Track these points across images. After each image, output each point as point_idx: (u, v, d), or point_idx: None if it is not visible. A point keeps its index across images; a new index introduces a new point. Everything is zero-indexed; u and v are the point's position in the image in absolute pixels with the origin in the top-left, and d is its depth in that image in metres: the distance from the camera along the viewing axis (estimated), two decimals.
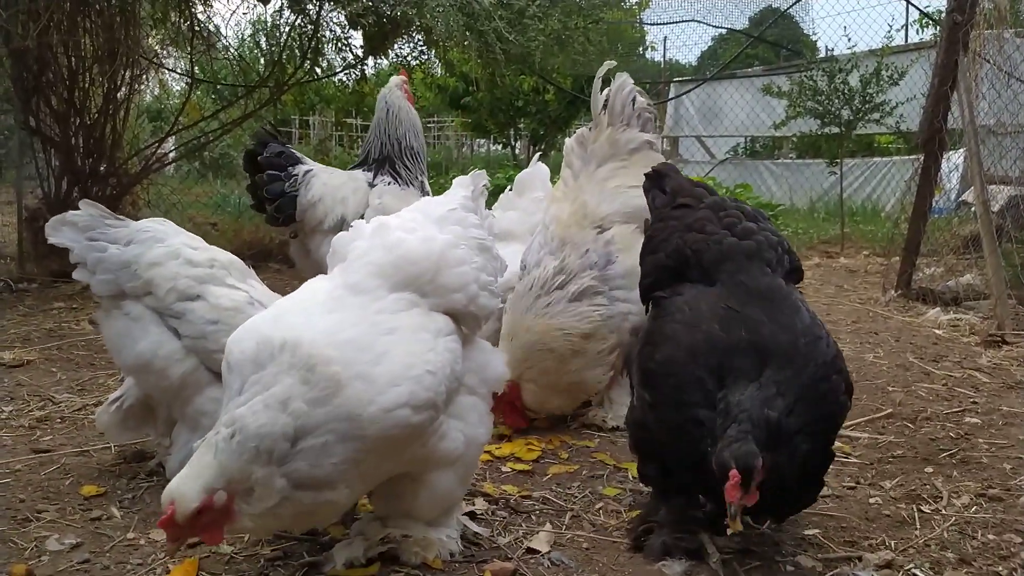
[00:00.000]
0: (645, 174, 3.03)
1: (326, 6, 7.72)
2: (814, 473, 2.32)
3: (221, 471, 1.86)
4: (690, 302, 2.48)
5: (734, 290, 2.45)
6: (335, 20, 7.99)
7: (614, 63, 3.90)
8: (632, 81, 3.88)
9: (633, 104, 3.78)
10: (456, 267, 2.34)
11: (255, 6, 8.50)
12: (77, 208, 2.88)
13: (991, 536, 2.55)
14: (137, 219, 3.04)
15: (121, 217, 2.96)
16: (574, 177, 3.78)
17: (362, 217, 4.55)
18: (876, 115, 10.07)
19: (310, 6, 7.79)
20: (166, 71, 9.36)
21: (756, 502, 2.12)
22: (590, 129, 3.90)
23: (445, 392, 2.16)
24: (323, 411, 1.93)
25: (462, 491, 2.45)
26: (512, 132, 22.95)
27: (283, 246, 7.16)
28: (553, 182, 4.56)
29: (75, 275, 2.86)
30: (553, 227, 3.64)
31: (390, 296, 2.22)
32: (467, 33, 6.80)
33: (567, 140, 3.99)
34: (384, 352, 2.07)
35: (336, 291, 2.21)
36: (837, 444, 3.30)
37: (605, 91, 3.80)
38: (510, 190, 4.81)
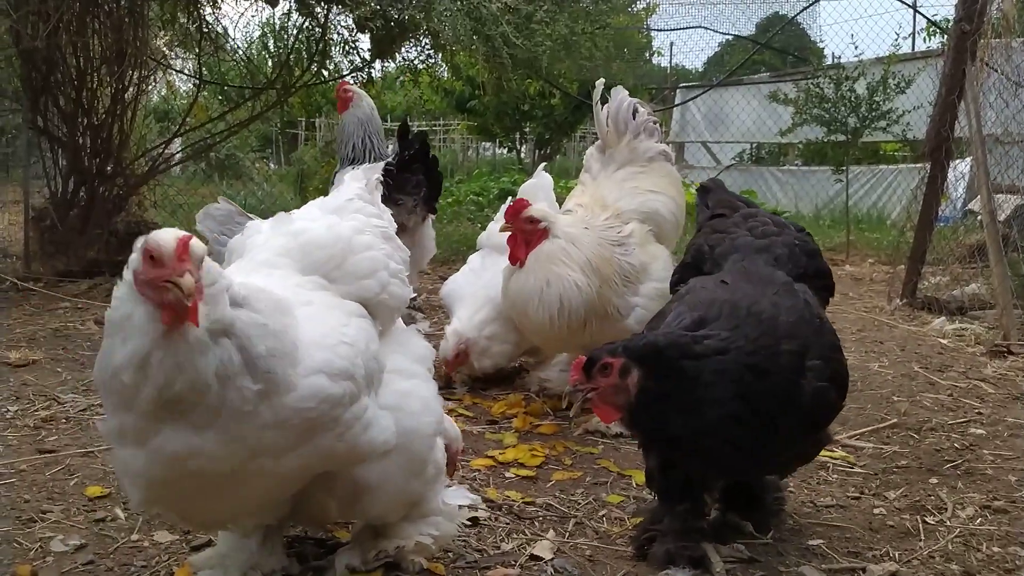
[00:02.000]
0: (697, 188, 3.24)
1: (334, 9, 7.74)
2: (732, 439, 2.17)
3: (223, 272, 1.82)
4: (691, 286, 2.59)
5: (733, 271, 2.58)
6: (343, 23, 8.02)
7: (603, 82, 3.98)
8: (628, 94, 3.97)
9: (634, 116, 3.89)
10: (365, 251, 2.26)
11: (263, 8, 8.52)
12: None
13: (996, 548, 2.54)
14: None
15: (250, 215, 3.06)
16: (593, 179, 3.92)
17: None
18: (882, 123, 10.05)
19: (318, 9, 7.81)
20: (174, 72, 9.40)
21: (622, 416, 2.19)
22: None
23: (363, 367, 1.99)
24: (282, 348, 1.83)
25: (421, 483, 2.22)
26: (518, 136, 22.95)
27: None
28: (558, 188, 4.60)
29: None
30: (578, 212, 3.75)
31: (300, 277, 2.15)
32: (474, 37, 6.81)
33: (588, 149, 4.11)
34: (303, 319, 1.96)
35: (250, 270, 2.13)
36: (840, 454, 3.34)
37: (605, 109, 3.91)
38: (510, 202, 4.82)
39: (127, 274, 1.75)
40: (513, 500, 2.86)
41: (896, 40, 11.37)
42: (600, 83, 3.98)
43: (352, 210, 2.38)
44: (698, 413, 2.14)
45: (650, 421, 2.18)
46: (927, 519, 2.75)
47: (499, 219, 4.66)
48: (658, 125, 4.07)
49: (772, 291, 2.42)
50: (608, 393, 2.15)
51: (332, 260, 2.20)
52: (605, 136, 3.95)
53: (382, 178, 5.22)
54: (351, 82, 6.27)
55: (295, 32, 8.48)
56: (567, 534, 2.62)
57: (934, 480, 3.10)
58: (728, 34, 16.72)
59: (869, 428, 3.66)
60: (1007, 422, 3.74)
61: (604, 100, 4.00)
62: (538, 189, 4.63)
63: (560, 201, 4.40)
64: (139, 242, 1.73)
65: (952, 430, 3.64)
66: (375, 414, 2.04)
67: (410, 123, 26.65)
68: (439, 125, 27.11)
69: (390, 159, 5.29)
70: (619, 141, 3.92)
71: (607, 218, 3.70)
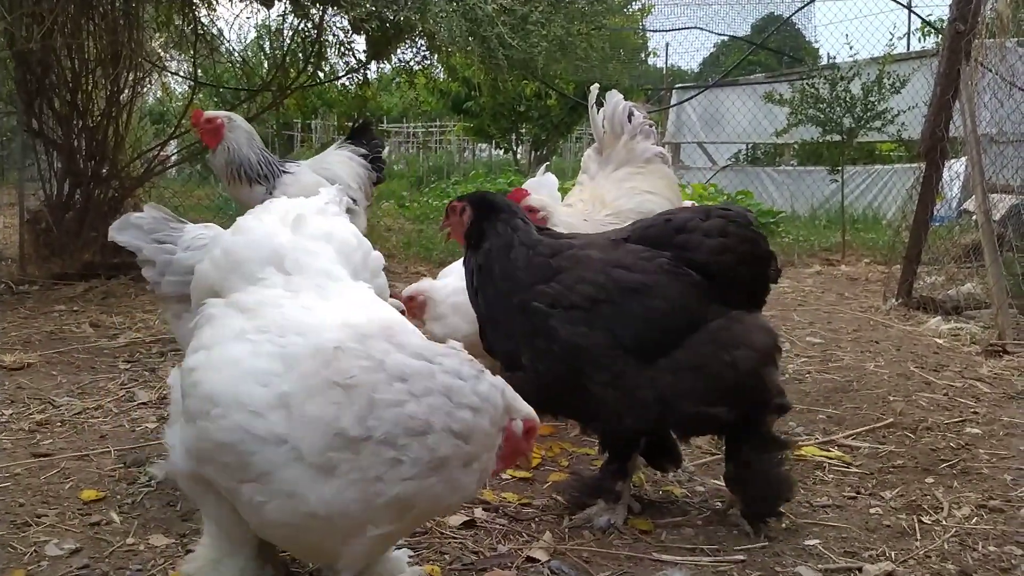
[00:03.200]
0: None
1: (330, 10, 7.74)
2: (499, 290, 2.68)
3: None
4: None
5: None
6: (338, 24, 8.02)
7: (598, 86, 4.02)
8: (623, 98, 4.01)
9: (630, 119, 3.93)
10: (372, 250, 2.32)
11: (259, 10, 8.52)
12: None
13: (992, 548, 2.54)
14: None
15: (182, 220, 3.01)
16: (591, 179, 3.96)
17: None
18: (878, 123, 10.05)
19: (313, 10, 7.81)
20: (169, 74, 9.39)
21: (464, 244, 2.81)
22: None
23: None
24: None
25: None
26: (514, 137, 22.97)
27: None
28: (561, 189, 4.63)
29: (144, 273, 2.95)
30: (578, 206, 3.77)
31: (356, 283, 2.11)
32: (470, 39, 6.80)
33: (586, 151, 4.14)
34: None
35: (332, 287, 2.04)
36: (837, 454, 3.34)
37: (601, 112, 3.94)
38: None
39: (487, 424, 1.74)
40: (509, 502, 2.85)
41: (891, 40, 11.41)
42: (595, 87, 4.03)
43: (332, 213, 2.37)
44: (488, 253, 2.73)
45: (476, 249, 2.75)
46: (923, 519, 2.75)
47: None
48: (653, 128, 4.10)
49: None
50: (456, 227, 2.82)
51: (364, 260, 2.21)
52: (602, 138, 3.98)
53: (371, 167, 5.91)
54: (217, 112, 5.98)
55: (290, 33, 8.48)
56: (564, 536, 2.62)
57: (930, 480, 3.10)
58: (724, 35, 16.79)
59: (865, 428, 3.66)
60: (1003, 421, 3.74)
61: (600, 104, 4.04)
62: (541, 186, 4.63)
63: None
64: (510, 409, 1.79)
65: (948, 429, 3.64)
66: None
67: (404, 123, 26.45)
68: (435, 126, 27.12)
69: (380, 151, 6.03)
70: (616, 142, 3.96)
71: (608, 215, 3.74)
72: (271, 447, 1.68)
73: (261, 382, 1.72)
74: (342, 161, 5.84)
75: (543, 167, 5.03)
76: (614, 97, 4.02)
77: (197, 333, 1.99)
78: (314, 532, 1.76)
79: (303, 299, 1.94)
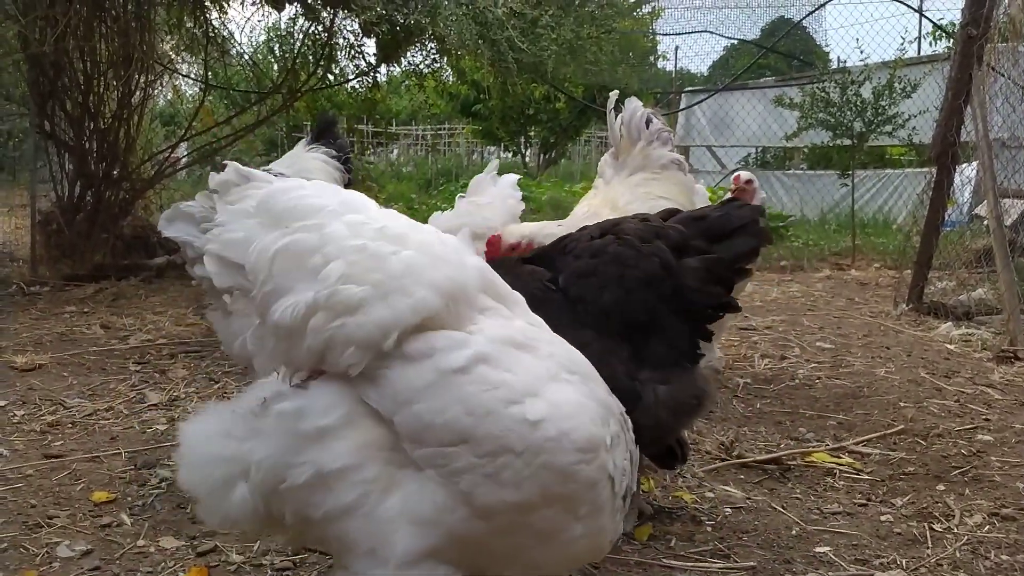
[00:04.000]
0: None
1: (340, 14, 7.77)
2: None
3: None
4: None
5: None
6: (349, 28, 8.05)
7: (617, 93, 4.01)
8: (642, 105, 4.00)
9: (648, 125, 3.93)
10: None
11: (269, 13, 8.55)
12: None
13: (1004, 556, 2.52)
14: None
15: None
16: (606, 183, 3.96)
17: None
18: (888, 127, 10.02)
19: (324, 13, 7.84)
20: (180, 76, 9.45)
21: None
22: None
23: None
24: None
25: None
26: (522, 140, 23.00)
27: None
28: (561, 192, 4.57)
29: (196, 271, 2.81)
30: (584, 209, 3.77)
31: None
32: (480, 42, 6.82)
33: (604, 156, 4.10)
34: None
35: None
36: (847, 460, 3.33)
37: (619, 117, 3.94)
38: (461, 197, 4.37)
39: None
40: None
41: (902, 44, 11.37)
42: (614, 94, 4.02)
43: None
44: None
45: None
46: (934, 526, 2.74)
47: (456, 213, 4.21)
48: (671, 135, 4.08)
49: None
50: None
51: None
52: (618, 144, 3.97)
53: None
54: None
55: (301, 36, 8.52)
56: None
57: (941, 487, 3.08)
58: (733, 38, 16.74)
59: (876, 434, 3.64)
60: (1015, 428, 3.72)
61: (617, 110, 4.04)
62: (487, 186, 4.25)
63: (570, 206, 4.37)
64: None
65: (959, 436, 3.62)
66: None
67: (413, 126, 26.37)
68: (444, 129, 27.15)
69: (348, 152, 5.86)
70: (632, 148, 3.95)
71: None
72: (609, 485, 1.81)
73: (604, 423, 1.81)
74: (321, 169, 5.52)
75: (492, 163, 4.72)
76: (632, 103, 4.01)
77: (480, 381, 1.66)
78: (580, 562, 2.01)
79: (549, 334, 1.90)
